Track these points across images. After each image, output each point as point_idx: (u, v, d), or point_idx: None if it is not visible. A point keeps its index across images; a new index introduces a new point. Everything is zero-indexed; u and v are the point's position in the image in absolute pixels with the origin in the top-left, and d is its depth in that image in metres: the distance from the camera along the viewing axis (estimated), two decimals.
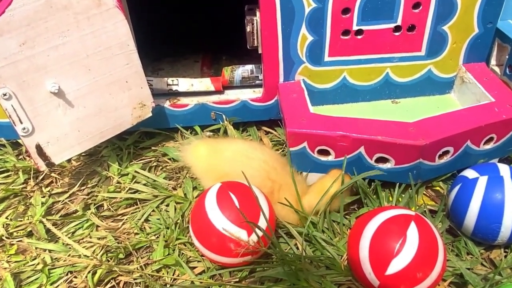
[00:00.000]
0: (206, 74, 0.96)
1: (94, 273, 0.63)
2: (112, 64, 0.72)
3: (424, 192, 0.75)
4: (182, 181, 0.79)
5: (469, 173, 0.65)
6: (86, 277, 0.63)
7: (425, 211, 0.69)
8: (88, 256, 0.65)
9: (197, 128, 0.89)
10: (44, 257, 0.66)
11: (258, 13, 0.76)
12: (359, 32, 0.78)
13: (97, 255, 0.66)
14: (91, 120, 0.74)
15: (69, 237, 0.70)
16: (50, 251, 0.68)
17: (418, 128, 0.69)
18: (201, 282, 0.62)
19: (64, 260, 0.65)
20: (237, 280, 0.63)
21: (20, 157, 0.87)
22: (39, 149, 0.70)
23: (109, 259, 0.65)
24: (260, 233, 0.59)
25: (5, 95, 0.64)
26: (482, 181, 0.63)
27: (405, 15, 0.76)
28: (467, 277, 0.60)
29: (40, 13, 0.63)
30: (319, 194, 0.67)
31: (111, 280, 0.64)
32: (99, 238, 0.69)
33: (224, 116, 0.88)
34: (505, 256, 0.64)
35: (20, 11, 0.61)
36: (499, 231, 0.61)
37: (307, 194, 0.69)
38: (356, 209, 0.73)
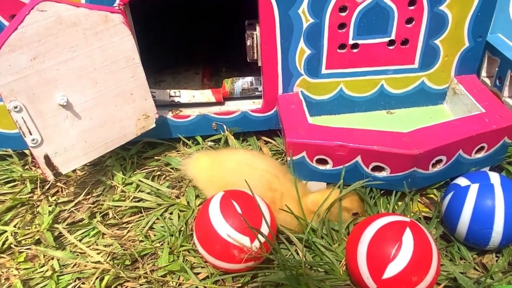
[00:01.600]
0: (206, 86, 0.98)
1: (101, 279, 0.66)
2: (118, 77, 0.75)
3: (419, 200, 0.77)
4: (185, 190, 0.81)
5: (461, 181, 0.68)
6: (94, 283, 0.65)
7: (420, 217, 0.71)
8: (98, 262, 0.67)
9: (199, 138, 0.92)
10: (52, 264, 0.69)
11: (258, 28, 0.80)
12: (355, 46, 0.81)
13: (104, 261, 0.68)
14: (97, 131, 0.77)
15: (76, 245, 0.72)
16: (58, 258, 0.70)
17: (413, 138, 0.72)
18: (205, 287, 0.64)
19: (73, 267, 0.67)
20: (240, 285, 0.65)
21: (26, 167, 0.89)
22: (47, 159, 0.73)
23: (116, 266, 0.67)
24: (262, 239, 0.62)
25: (16, 107, 0.67)
26: (474, 188, 0.66)
27: (398, 30, 0.79)
28: (461, 280, 0.63)
29: (51, 29, 0.66)
30: (322, 197, 0.69)
31: (118, 286, 0.66)
32: (105, 246, 0.72)
33: (225, 127, 0.90)
34: (497, 261, 0.67)
35: (32, 27, 0.64)
36: (490, 236, 0.64)
37: (313, 193, 0.71)
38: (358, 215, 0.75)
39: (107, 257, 0.69)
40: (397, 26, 0.79)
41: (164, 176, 0.86)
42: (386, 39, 0.80)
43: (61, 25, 0.66)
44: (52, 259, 0.70)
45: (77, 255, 0.71)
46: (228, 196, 0.64)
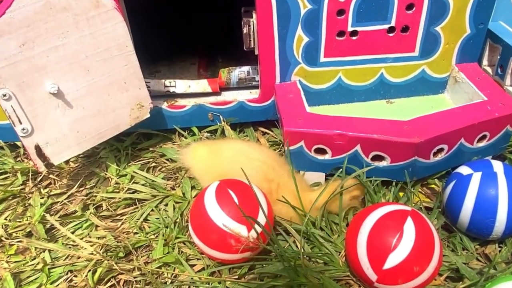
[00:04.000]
0: (202, 76, 0.97)
1: (94, 272, 0.64)
2: (111, 65, 0.73)
3: (420, 190, 0.76)
4: (181, 181, 0.80)
5: (464, 170, 0.67)
6: (86, 276, 0.63)
7: (421, 208, 0.70)
8: (91, 254, 0.65)
9: (195, 129, 0.90)
10: (44, 257, 0.67)
11: (254, 15, 0.78)
12: (354, 33, 0.79)
13: (97, 253, 0.66)
14: (89, 121, 0.75)
15: (68, 238, 0.70)
16: (49, 251, 0.68)
17: (413, 126, 0.70)
18: (200, 279, 0.62)
19: (65, 259, 0.66)
20: (237, 277, 0.63)
21: (18, 159, 0.87)
22: (38, 149, 0.71)
23: (109, 258, 0.66)
24: (259, 229, 0.60)
25: (4, 95, 0.65)
26: (476, 177, 0.64)
27: (398, 16, 0.78)
28: (463, 271, 0.61)
29: (40, 14, 0.64)
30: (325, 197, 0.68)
31: (111, 279, 0.64)
32: (98, 238, 0.70)
33: (221, 117, 0.89)
34: (500, 251, 0.66)
35: (20, 12, 0.62)
36: (493, 226, 0.62)
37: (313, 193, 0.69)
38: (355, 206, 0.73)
39: (100, 249, 0.67)
40: (397, 13, 0.77)
41: (159, 167, 0.84)
42: (386, 26, 0.79)
43: (50, 10, 0.64)
44: (44, 251, 0.68)
45: (69, 247, 0.69)
46: (224, 185, 0.63)
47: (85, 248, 0.67)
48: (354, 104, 0.88)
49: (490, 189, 0.62)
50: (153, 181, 0.79)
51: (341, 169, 0.72)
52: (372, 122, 0.72)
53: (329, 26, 0.78)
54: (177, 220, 0.71)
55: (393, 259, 0.54)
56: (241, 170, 0.65)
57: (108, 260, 0.64)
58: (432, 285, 0.60)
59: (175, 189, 0.78)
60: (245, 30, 0.80)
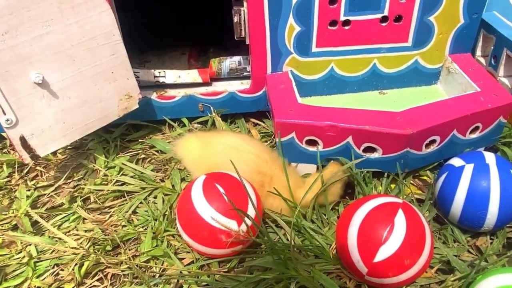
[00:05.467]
0: (193, 66, 0.95)
1: (81, 266, 0.63)
2: (97, 54, 0.71)
3: (412, 182, 0.75)
4: (170, 173, 0.78)
5: (456, 161, 0.66)
6: (73, 269, 0.62)
7: (412, 200, 0.69)
8: (75, 247, 0.64)
9: (185, 120, 0.88)
10: (29, 250, 0.65)
11: (245, 4, 0.76)
12: (347, 22, 0.78)
13: (83, 246, 0.65)
14: (76, 112, 0.73)
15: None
16: (35, 244, 0.67)
17: (405, 118, 0.70)
18: (189, 273, 0.61)
19: (51, 253, 0.64)
20: (226, 270, 0.62)
21: (4, 150, 0.85)
22: (23, 141, 0.69)
23: (96, 251, 0.65)
24: (249, 222, 0.59)
25: None
26: (468, 169, 0.63)
27: (392, 6, 0.76)
28: (454, 263, 0.61)
29: (23, 2, 0.62)
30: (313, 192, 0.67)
31: (99, 272, 0.63)
32: (85, 231, 0.69)
33: (212, 108, 0.87)
34: (491, 243, 0.65)
35: None
36: (485, 218, 0.62)
37: (303, 188, 0.68)
38: (347, 198, 0.73)
39: (87, 243, 0.66)
40: (390, 2, 0.76)
41: (148, 159, 0.83)
42: (379, 16, 0.77)
43: None
44: (30, 245, 0.67)
45: (56, 240, 0.68)
46: (211, 179, 0.61)
47: (69, 242, 0.66)
48: (346, 95, 0.87)
49: (482, 181, 0.62)
50: (142, 173, 0.78)
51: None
52: (364, 114, 0.71)
53: (321, 15, 0.76)
54: (166, 213, 0.70)
55: (384, 252, 0.53)
56: (230, 161, 0.64)
57: (94, 254, 0.63)
58: (423, 278, 0.59)
59: (164, 181, 0.77)
60: (235, 19, 0.78)
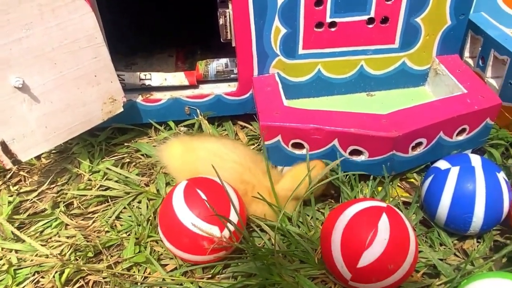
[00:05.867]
0: (180, 69, 0.94)
1: (62, 273, 0.62)
2: (80, 57, 0.70)
3: (399, 184, 0.75)
4: (155, 177, 0.77)
5: (441, 164, 0.65)
6: (53, 277, 0.61)
7: (398, 203, 0.68)
8: (55, 256, 0.63)
9: (171, 124, 0.87)
10: (10, 258, 0.64)
11: (230, 5, 0.75)
12: (333, 24, 0.77)
13: (65, 254, 0.64)
14: (58, 116, 0.72)
15: (37, 236, 0.68)
16: (16, 251, 0.66)
17: (391, 120, 0.69)
18: (172, 280, 0.60)
19: (31, 260, 0.63)
20: (210, 276, 0.61)
21: None
22: (4, 146, 0.68)
23: (78, 258, 0.63)
24: (232, 228, 0.58)
25: None
26: (454, 171, 0.63)
27: (378, 7, 0.76)
28: (440, 267, 0.60)
29: (1, 4, 0.61)
30: (293, 180, 0.66)
31: (80, 280, 0.62)
32: (68, 237, 0.67)
33: (198, 111, 0.86)
34: (478, 246, 0.65)
35: None
36: (471, 221, 0.61)
37: (281, 180, 0.68)
38: (333, 202, 0.72)
39: (69, 249, 0.65)
40: (376, 3, 0.75)
41: (134, 163, 0.82)
42: (365, 17, 0.77)
43: (12, 0, 0.61)
44: (10, 252, 0.66)
45: (36, 249, 0.66)
46: (193, 184, 0.60)
47: (51, 254, 0.64)
48: (334, 97, 0.86)
49: (467, 184, 0.61)
50: (126, 177, 0.77)
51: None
52: (349, 116, 0.71)
53: (307, 17, 0.76)
54: (150, 218, 0.69)
55: (367, 258, 0.52)
56: (212, 166, 0.64)
57: (73, 262, 0.62)
58: (409, 282, 0.59)
59: (149, 186, 0.76)
60: (221, 21, 0.77)
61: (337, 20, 0.76)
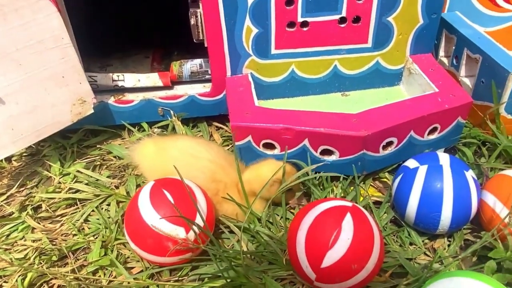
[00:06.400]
0: (156, 70, 0.93)
1: (25, 277, 0.60)
2: (46, 58, 0.69)
3: (372, 184, 0.74)
4: (126, 179, 0.76)
5: (410, 163, 0.65)
6: (16, 281, 0.60)
7: (369, 202, 0.68)
8: (16, 259, 0.62)
9: (145, 125, 0.87)
10: None
11: (201, 5, 0.75)
12: (305, 24, 0.76)
13: (29, 258, 0.63)
14: (25, 118, 0.71)
15: (3, 240, 0.67)
16: None
17: (361, 119, 0.69)
18: (137, 282, 0.59)
19: None
20: (177, 279, 0.61)
21: None
22: None
23: (42, 262, 0.62)
24: (197, 230, 0.57)
25: None
26: (422, 170, 0.62)
27: (349, 6, 0.75)
28: (406, 266, 0.59)
29: None
30: (257, 174, 0.65)
31: (44, 284, 0.61)
32: (33, 241, 0.66)
33: (172, 112, 0.85)
34: (448, 245, 0.64)
35: None
36: (439, 220, 0.61)
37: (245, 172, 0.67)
38: (306, 202, 0.71)
39: (34, 253, 0.64)
40: (347, 3, 0.75)
41: (105, 165, 0.81)
42: (337, 17, 0.76)
43: None
44: None
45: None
46: (159, 185, 0.60)
47: (16, 258, 0.63)
48: (309, 97, 0.86)
49: (435, 182, 0.61)
50: (96, 179, 0.76)
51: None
52: (320, 116, 0.70)
53: (278, 16, 0.75)
54: (118, 221, 0.68)
55: (331, 258, 0.52)
56: (188, 170, 0.63)
57: (37, 266, 0.60)
58: (376, 282, 0.58)
59: (119, 188, 0.75)
60: (192, 21, 0.77)
61: (308, 19, 0.76)
